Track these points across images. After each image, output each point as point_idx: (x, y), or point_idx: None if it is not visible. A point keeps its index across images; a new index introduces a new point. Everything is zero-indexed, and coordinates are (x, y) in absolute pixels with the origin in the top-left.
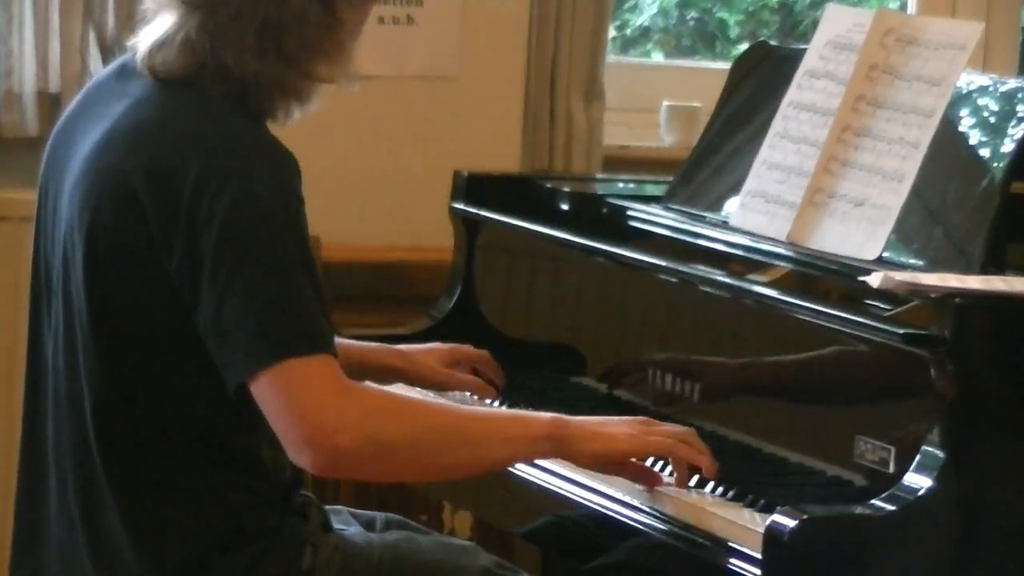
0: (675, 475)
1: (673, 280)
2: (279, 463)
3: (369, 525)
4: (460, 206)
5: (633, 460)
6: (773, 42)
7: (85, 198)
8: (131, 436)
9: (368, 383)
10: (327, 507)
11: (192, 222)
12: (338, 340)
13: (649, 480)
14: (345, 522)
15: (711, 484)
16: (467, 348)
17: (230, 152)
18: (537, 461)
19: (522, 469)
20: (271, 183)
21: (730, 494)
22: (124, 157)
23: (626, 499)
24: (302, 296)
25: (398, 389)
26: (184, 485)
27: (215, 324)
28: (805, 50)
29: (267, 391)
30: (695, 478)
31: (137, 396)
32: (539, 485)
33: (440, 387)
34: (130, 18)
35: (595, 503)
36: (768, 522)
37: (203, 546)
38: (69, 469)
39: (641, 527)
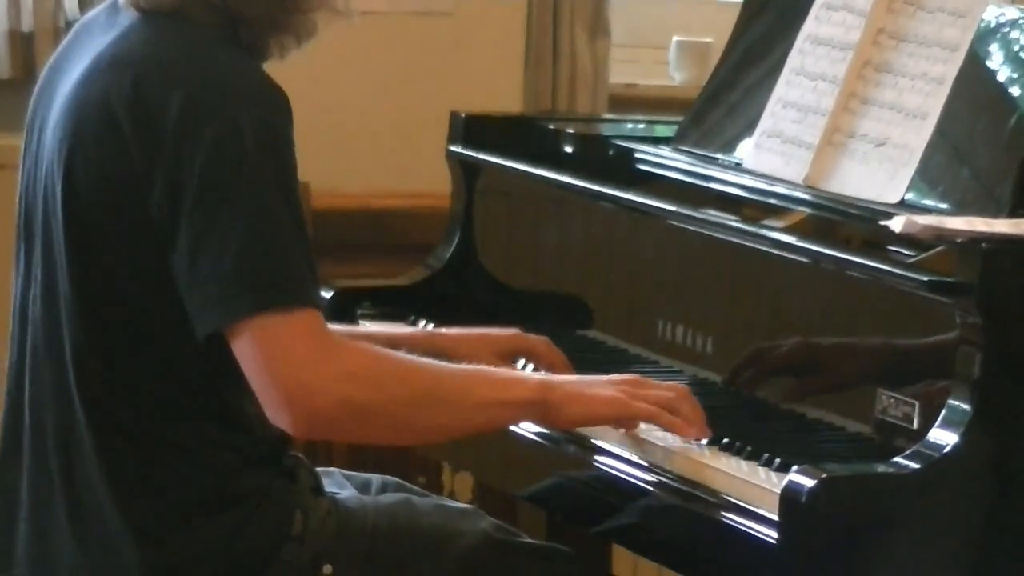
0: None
1: (684, 226)
2: (266, 420)
3: (364, 488)
4: (458, 149)
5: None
6: None
7: (66, 129)
8: (113, 386)
9: (360, 342)
10: (319, 469)
11: (174, 156)
12: (361, 329)
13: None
14: (338, 485)
15: (726, 442)
16: (529, 338)
17: (216, 84)
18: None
19: (526, 428)
20: (259, 121)
21: (745, 452)
22: (107, 86)
23: (635, 459)
24: (285, 245)
25: None
26: (166, 439)
27: (190, 268)
28: None
29: (244, 346)
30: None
31: (118, 344)
32: (543, 445)
33: None
34: None
35: (603, 464)
36: (785, 482)
37: (185, 505)
38: (49, 422)
39: (651, 488)
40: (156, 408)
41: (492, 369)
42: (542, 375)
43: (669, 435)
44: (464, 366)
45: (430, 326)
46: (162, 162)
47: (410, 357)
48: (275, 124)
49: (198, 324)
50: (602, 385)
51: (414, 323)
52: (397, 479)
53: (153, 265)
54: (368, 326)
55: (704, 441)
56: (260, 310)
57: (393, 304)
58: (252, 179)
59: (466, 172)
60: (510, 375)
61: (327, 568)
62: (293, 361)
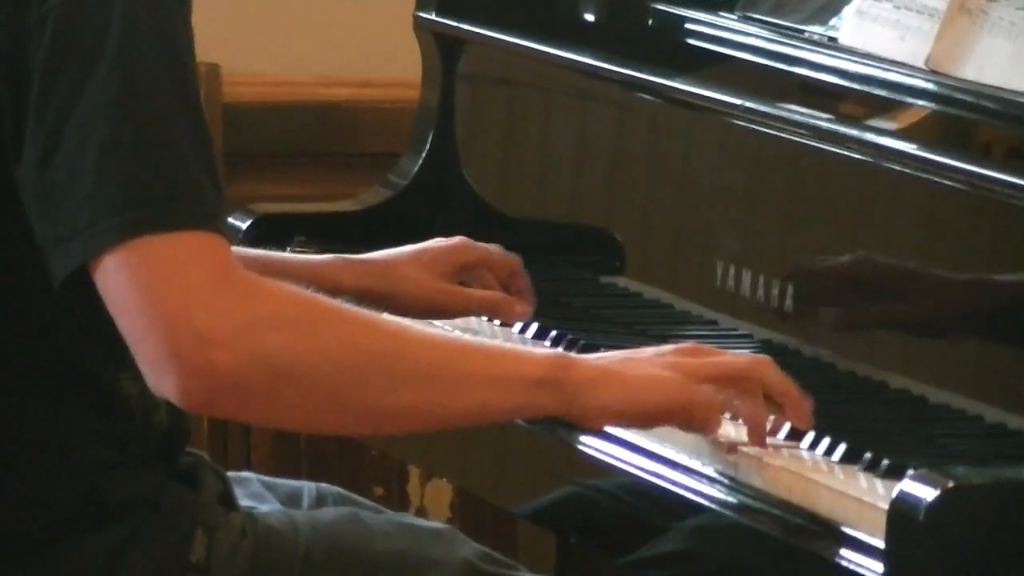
0: (748, 435)
1: (755, 128)
2: (150, 403)
3: (293, 500)
4: (430, 16)
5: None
6: None
7: None
8: None
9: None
10: (230, 473)
11: (17, 23)
12: (259, 252)
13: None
14: (256, 495)
15: (811, 436)
16: (478, 246)
17: None
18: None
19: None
20: None
21: (839, 451)
22: None
23: (679, 460)
24: (173, 142)
25: None
26: (11, 427)
27: (40, 180)
28: None
29: (113, 282)
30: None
31: None
32: (551, 442)
33: (438, 311)
34: None
35: (633, 466)
36: (896, 492)
37: (42, 520)
38: None
39: (700, 502)
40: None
41: (483, 340)
42: (556, 351)
43: (730, 425)
44: (436, 329)
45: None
46: (1, 32)
47: (358, 308)
48: None
49: (53, 261)
50: (646, 360)
51: None
52: (339, 489)
53: None
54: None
55: (780, 436)
56: (135, 232)
57: (338, 238)
58: (125, 50)
59: (442, 49)
60: (511, 346)
61: None
62: (181, 294)
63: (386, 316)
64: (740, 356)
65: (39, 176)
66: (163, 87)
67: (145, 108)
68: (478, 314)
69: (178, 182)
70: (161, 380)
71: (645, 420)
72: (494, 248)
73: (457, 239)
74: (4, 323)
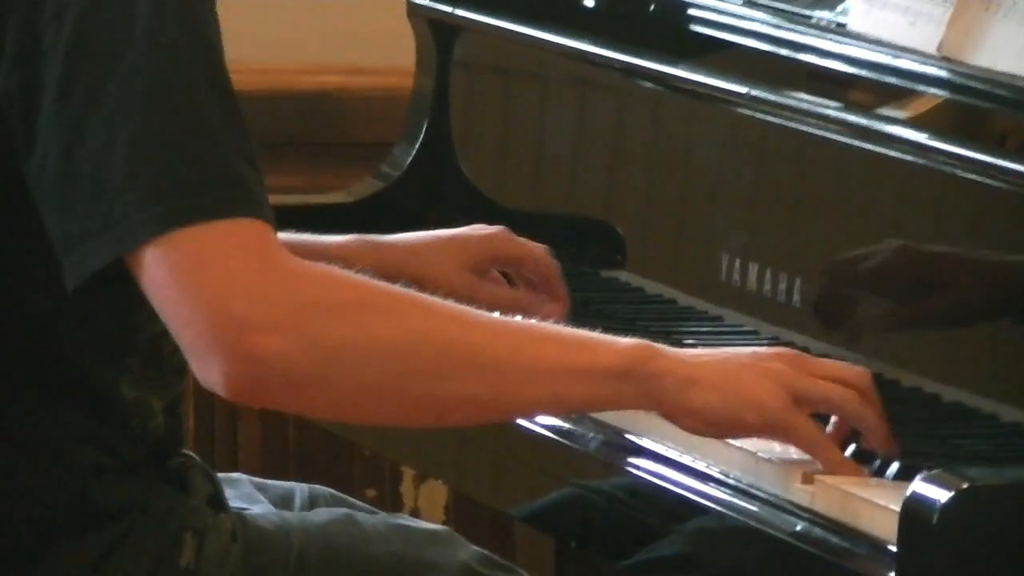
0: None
1: (761, 117)
2: (147, 409)
3: (284, 501)
4: (424, 1)
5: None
6: None
7: None
8: None
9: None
10: (220, 475)
11: (32, 8)
12: (291, 236)
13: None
14: (247, 497)
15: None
16: (520, 242)
17: None
18: None
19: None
20: None
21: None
22: None
23: (682, 461)
24: (208, 130)
25: None
26: (5, 426)
27: (61, 173)
28: None
29: (153, 273)
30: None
31: None
32: (554, 441)
33: (464, 304)
34: None
35: (634, 467)
36: (907, 493)
37: (30, 524)
38: None
39: (705, 502)
40: None
41: (552, 325)
42: (643, 340)
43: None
44: (511, 318)
45: None
46: (14, 17)
47: (416, 293)
48: None
49: (77, 257)
50: (746, 366)
51: None
52: (332, 490)
53: None
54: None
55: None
56: (174, 223)
57: (328, 231)
58: (151, 37)
59: (437, 36)
60: (589, 334)
61: None
62: (224, 282)
63: (448, 302)
64: (844, 370)
65: (60, 169)
66: (195, 74)
67: (177, 96)
68: (504, 312)
69: (215, 169)
70: (206, 369)
71: (738, 433)
72: (536, 247)
73: (498, 229)
74: (2, 322)
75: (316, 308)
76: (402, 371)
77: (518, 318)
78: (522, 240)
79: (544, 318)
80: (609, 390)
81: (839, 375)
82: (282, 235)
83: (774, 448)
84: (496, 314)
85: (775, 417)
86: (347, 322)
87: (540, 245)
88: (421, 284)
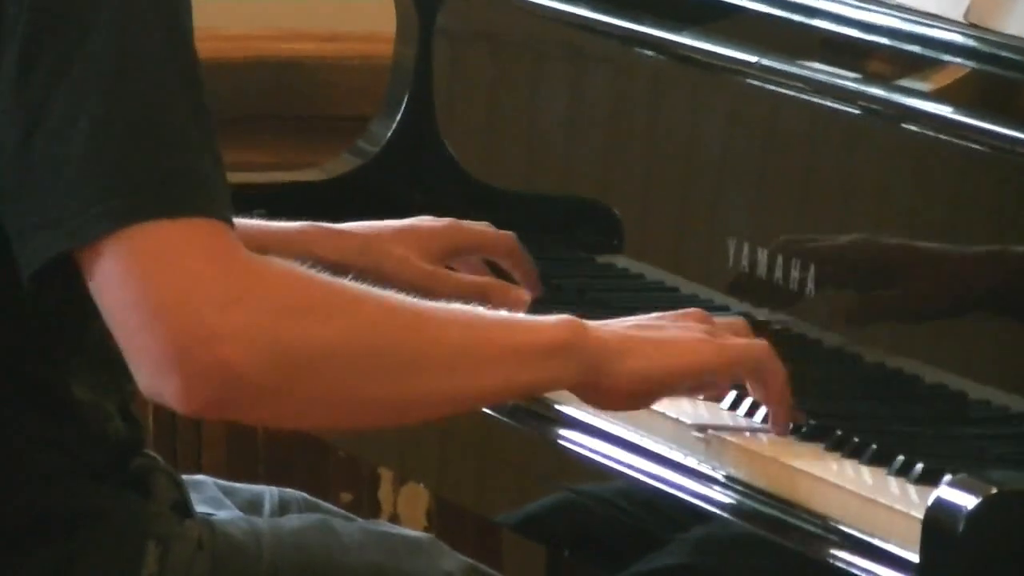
0: (772, 417)
1: (773, 89)
2: (103, 411)
3: (253, 506)
4: None
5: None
6: None
7: None
8: None
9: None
10: (184, 477)
11: None
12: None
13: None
14: (213, 502)
15: (838, 435)
16: (472, 228)
17: None
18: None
19: (519, 414)
20: None
21: (868, 453)
22: None
23: (684, 463)
24: (172, 119)
25: None
26: None
27: (19, 158)
28: None
29: (104, 273)
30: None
31: None
32: (544, 441)
33: (422, 296)
34: None
35: (632, 468)
36: (932, 499)
37: None
38: None
39: (713, 510)
40: None
41: (483, 310)
42: (568, 316)
43: (743, 423)
44: (454, 305)
45: None
46: None
47: (371, 288)
48: None
49: (29, 248)
50: (660, 323)
51: None
52: (304, 494)
53: None
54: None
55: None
56: (130, 219)
57: (300, 212)
58: (118, 14)
59: (420, 1)
60: (520, 314)
61: None
62: (182, 286)
63: (400, 295)
64: (731, 321)
65: (18, 154)
66: (164, 61)
67: (144, 83)
68: (467, 300)
69: (177, 164)
70: (160, 383)
71: (683, 382)
72: (486, 228)
73: (447, 220)
74: None
75: (282, 314)
76: (367, 374)
77: (473, 306)
78: (475, 225)
79: (513, 304)
80: (550, 368)
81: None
82: (252, 221)
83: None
84: (443, 303)
85: (718, 359)
86: (313, 328)
87: (502, 232)
88: (378, 274)
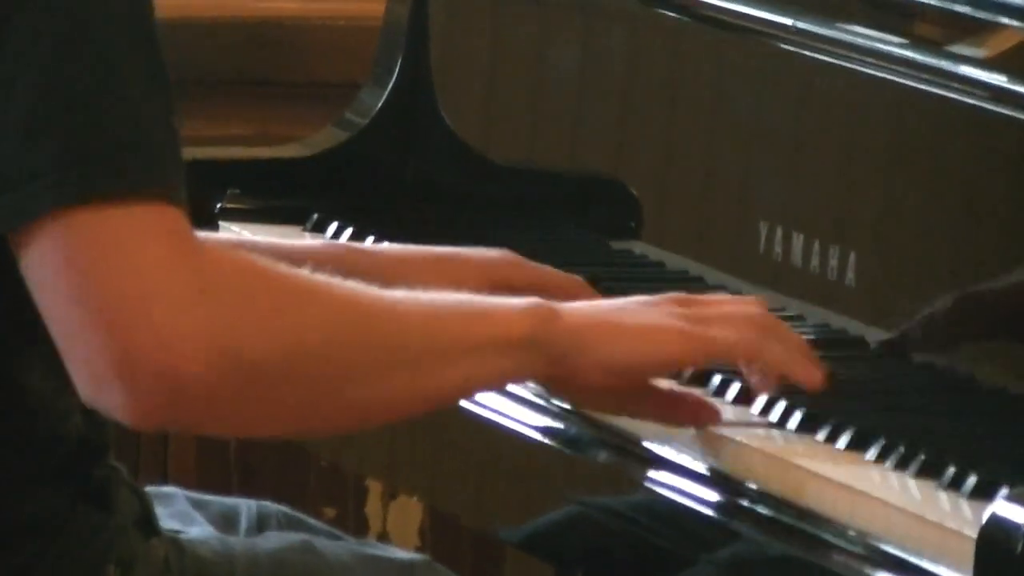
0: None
1: (808, 55)
2: (63, 405)
3: (228, 522)
4: None
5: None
6: None
7: None
8: None
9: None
10: (149, 488)
11: None
12: (232, 237)
13: (702, 416)
14: (182, 516)
15: (882, 444)
16: (531, 267)
17: None
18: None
19: (522, 419)
20: None
21: (915, 463)
22: None
23: (709, 475)
24: (123, 86)
25: None
26: None
27: None
28: None
29: (41, 260)
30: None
31: None
32: (552, 449)
33: None
34: None
35: (651, 480)
36: (986, 516)
37: None
38: None
39: (736, 526)
40: None
41: (445, 294)
42: (535, 300)
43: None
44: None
45: (346, 235)
46: None
47: (333, 280)
48: None
49: None
50: (635, 310)
51: (318, 229)
52: (285, 509)
53: None
54: (244, 234)
55: (841, 442)
56: (72, 199)
57: (281, 191)
58: None
59: None
60: (479, 299)
61: None
62: (131, 279)
63: (358, 286)
64: (734, 301)
65: None
66: (119, 20)
67: (93, 43)
68: None
69: (127, 136)
70: (101, 392)
71: (654, 371)
72: (550, 272)
73: (503, 253)
74: None
75: (241, 314)
76: (331, 377)
77: (433, 295)
78: (536, 265)
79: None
80: (513, 362)
81: (739, 311)
82: (255, 239)
83: None
84: (403, 291)
85: (690, 349)
86: (274, 329)
87: (569, 276)
88: None
